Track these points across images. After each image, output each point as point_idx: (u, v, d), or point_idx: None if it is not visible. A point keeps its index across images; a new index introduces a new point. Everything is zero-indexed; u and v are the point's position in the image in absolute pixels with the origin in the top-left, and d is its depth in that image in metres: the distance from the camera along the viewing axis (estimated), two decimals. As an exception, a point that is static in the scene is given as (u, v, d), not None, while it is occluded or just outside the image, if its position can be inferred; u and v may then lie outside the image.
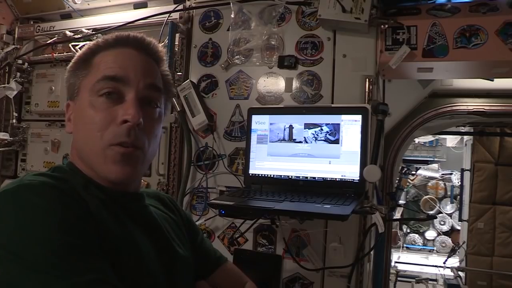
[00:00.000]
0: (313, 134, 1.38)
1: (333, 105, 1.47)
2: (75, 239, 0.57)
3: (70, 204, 0.60)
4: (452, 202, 5.44)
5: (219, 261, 0.97)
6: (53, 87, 2.04)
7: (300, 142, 1.39)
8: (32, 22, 2.15)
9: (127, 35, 0.77)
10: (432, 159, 5.60)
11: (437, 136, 4.84)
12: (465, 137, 4.12)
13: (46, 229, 0.56)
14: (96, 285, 0.54)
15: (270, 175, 1.42)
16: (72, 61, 0.78)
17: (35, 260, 0.53)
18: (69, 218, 0.58)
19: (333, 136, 1.35)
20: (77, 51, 1.85)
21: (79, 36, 1.94)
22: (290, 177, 1.39)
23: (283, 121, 1.42)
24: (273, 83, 1.58)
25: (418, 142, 5.21)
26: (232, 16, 1.63)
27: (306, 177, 1.37)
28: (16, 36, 2.16)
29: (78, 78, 0.75)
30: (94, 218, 0.63)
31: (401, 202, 5.32)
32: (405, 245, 5.49)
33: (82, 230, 0.59)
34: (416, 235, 5.58)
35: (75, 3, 2.00)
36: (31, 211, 0.57)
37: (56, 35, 2.02)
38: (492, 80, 1.67)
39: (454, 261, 4.21)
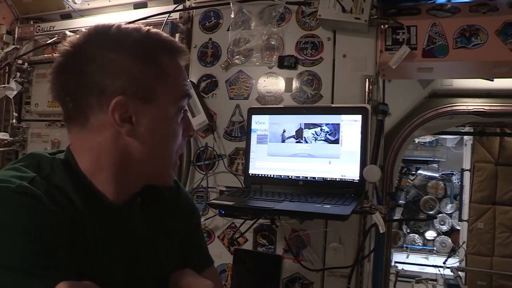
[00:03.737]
0: (313, 134, 1.38)
1: (333, 105, 1.47)
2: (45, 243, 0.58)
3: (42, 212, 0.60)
4: (452, 202, 5.44)
5: (199, 267, 0.85)
6: (53, 87, 2.03)
7: (300, 142, 1.39)
8: (32, 22, 2.15)
9: (181, 46, 0.75)
10: (432, 159, 5.59)
11: (437, 136, 4.83)
12: (465, 137, 4.12)
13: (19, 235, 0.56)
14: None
15: (270, 175, 1.42)
16: (128, 45, 0.67)
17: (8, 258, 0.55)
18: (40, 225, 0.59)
19: (333, 136, 1.35)
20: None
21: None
22: (290, 177, 1.39)
23: (283, 121, 1.42)
24: (273, 83, 1.58)
25: (418, 142, 5.20)
26: (232, 16, 1.63)
27: (306, 177, 1.37)
28: (16, 36, 2.15)
29: (150, 78, 0.68)
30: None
31: (401, 202, 5.31)
32: (405, 245, 5.48)
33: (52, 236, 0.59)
34: (416, 235, 5.57)
35: (75, 3, 2.00)
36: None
37: (56, 35, 2.02)
38: (492, 80, 1.67)
39: (454, 261, 4.21)
